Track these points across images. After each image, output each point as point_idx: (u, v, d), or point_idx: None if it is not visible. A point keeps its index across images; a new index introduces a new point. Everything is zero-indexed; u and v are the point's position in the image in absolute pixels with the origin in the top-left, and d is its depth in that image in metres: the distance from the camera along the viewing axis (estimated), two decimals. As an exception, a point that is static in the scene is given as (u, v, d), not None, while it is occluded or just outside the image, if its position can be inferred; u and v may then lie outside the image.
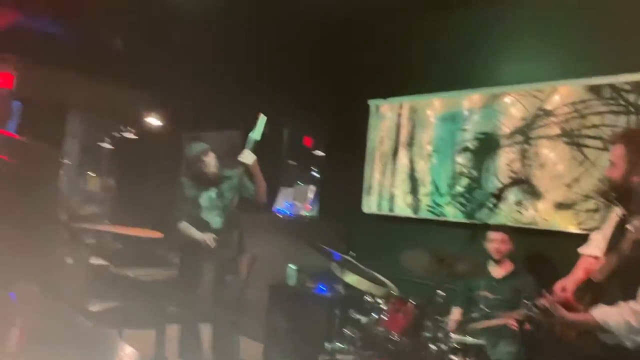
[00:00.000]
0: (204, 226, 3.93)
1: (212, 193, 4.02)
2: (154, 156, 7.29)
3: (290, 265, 4.73)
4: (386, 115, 4.80)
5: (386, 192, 4.72)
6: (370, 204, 4.83)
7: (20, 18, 5.08)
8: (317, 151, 5.99)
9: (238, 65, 5.97)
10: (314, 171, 5.93)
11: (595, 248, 2.48)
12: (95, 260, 5.10)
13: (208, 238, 3.80)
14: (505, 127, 4.02)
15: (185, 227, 3.99)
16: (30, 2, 4.61)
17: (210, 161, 4.01)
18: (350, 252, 3.81)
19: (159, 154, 7.30)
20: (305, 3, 4.30)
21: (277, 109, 5.68)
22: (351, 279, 3.57)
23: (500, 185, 2.48)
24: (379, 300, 3.34)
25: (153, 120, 6.59)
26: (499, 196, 2.35)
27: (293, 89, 5.57)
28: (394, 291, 3.42)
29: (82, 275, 4.94)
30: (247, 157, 3.88)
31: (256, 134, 3.86)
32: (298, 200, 5.69)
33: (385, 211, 4.71)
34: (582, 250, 2.61)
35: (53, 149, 5.79)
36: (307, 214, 5.56)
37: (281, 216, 5.68)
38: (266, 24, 4.86)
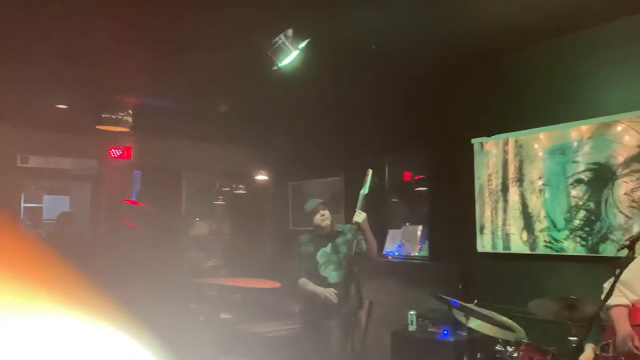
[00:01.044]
0: (321, 281, 4.07)
1: (327, 248, 4.17)
2: (263, 208, 7.67)
3: (410, 311, 4.76)
4: (491, 152, 4.77)
5: (499, 230, 4.67)
6: (484, 243, 4.78)
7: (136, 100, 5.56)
8: (419, 188, 6.04)
9: (340, 111, 6.23)
10: (419, 211, 5.97)
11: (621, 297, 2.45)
12: (224, 315, 5.38)
13: (330, 293, 3.93)
14: (620, 155, 3.89)
15: (304, 282, 4.14)
16: (144, 87, 5.00)
17: (326, 216, 4.18)
18: (476, 300, 3.78)
19: (267, 205, 7.68)
20: (407, 47, 4.42)
21: (379, 150, 5.88)
22: (475, 323, 3.56)
23: (629, 236, 2.43)
24: (509, 348, 3.30)
25: (260, 175, 6.94)
26: (631, 246, 2.29)
27: (395, 129, 5.75)
28: (523, 336, 3.37)
29: (211, 331, 5.25)
30: (359, 216, 4.00)
31: (365, 188, 3.99)
32: (407, 241, 5.74)
33: (500, 249, 4.65)
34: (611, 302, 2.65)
35: (175, 214, 6.29)
36: (417, 255, 5.59)
37: (390, 258, 5.75)
38: (370, 69, 5.00)
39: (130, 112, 3.45)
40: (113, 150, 6.48)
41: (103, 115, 3.34)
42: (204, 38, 3.53)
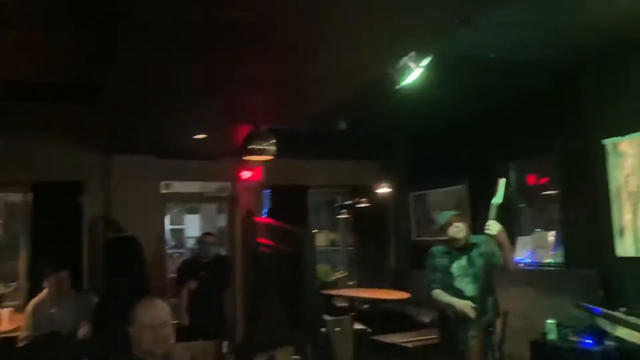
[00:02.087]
0: (457, 294, 4.07)
1: (462, 261, 4.16)
2: (385, 220, 7.81)
3: (548, 320, 4.64)
4: (627, 153, 4.55)
5: (642, 233, 4.43)
6: (626, 247, 4.55)
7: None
8: (546, 192, 5.86)
9: (460, 119, 6.22)
10: (548, 216, 5.79)
11: None
12: (357, 326, 5.55)
13: (467, 307, 3.92)
14: None
15: (440, 294, 4.17)
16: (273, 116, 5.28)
17: (460, 228, 4.17)
18: (621, 308, 3.64)
19: (389, 217, 7.81)
20: (530, 50, 4.38)
21: (503, 155, 5.80)
22: (623, 332, 3.43)
23: None
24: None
25: (381, 187, 7.08)
26: None
27: (518, 133, 5.66)
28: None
29: (347, 342, 5.44)
30: (493, 227, 3.92)
31: (498, 198, 3.94)
32: (539, 248, 5.58)
33: (644, 253, 4.41)
34: None
35: (305, 230, 6.60)
36: (551, 262, 5.42)
37: (523, 266, 5.62)
38: (490, 75, 4.99)
39: (274, 141, 3.72)
40: (245, 172, 6.95)
41: (249, 147, 3.64)
42: (329, 68, 3.73)
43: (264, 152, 3.75)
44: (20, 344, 4.77)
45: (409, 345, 4.79)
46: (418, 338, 4.98)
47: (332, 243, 9.23)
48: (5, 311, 5.23)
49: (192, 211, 8.67)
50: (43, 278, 5.08)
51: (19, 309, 5.61)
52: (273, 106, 4.56)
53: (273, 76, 3.77)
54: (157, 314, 2.48)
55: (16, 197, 6.48)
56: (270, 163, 6.90)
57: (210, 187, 7.83)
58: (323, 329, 5.48)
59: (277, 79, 3.77)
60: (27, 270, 5.94)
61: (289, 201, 7.28)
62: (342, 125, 6.38)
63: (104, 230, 6.16)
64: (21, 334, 4.85)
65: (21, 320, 5.03)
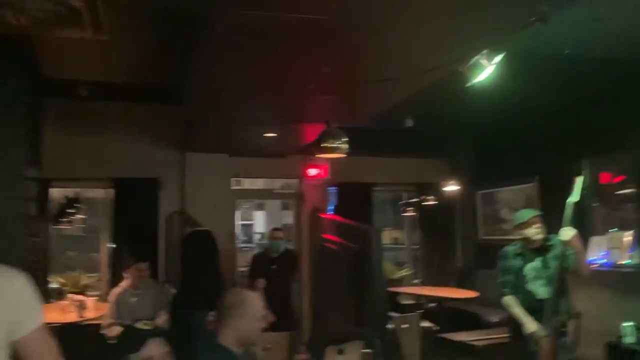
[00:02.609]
0: (528, 296, 3.99)
1: (536, 262, 4.04)
2: (451, 218, 7.76)
3: (624, 323, 4.52)
4: None
5: None
6: None
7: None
8: (622, 191, 5.67)
9: (531, 116, 6.12)
10: (624, 215, 5.60)
11: None
12: (423, 323, 5.58)
13: (532, 327, 3.88)
14: None
15: (510, 303, 4.08)
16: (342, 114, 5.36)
17: (539, 228, 4.03)
18: None
19: (456, 215, 7.76)
20: (604, 45, 4.28)
21: (575, 152, 5.66)
22: None
23: None
24: None
25: (448, 185, 7.06)
26: None
27: (592, 129, 5.52)
28: None
29: (414, 338, 5.48)
30: (567, 233, 3.78)
31: (574, 196, 3.84)
32: (614, 249, 5.42)
33: None
34: None
35: (371, 226, 6.66)
36: (628, 263, 5.25)
37: (596, 267, 5.46)
38: (563, 71, 4.89)
39: (346, 139, 3.81)
40: (311, 169, 7.10)
41: (322, 145, 3.74)
42: (400, 67, 3.78)
43: (337, 150, 3.84)
44: (104, 330, 5.08)
45: (478, 343, 4.77)
46: (487, 337, 4.95)
47: (396, 241, 9.26)
48: (91, 300, 5.57)
49: (258, 208, 8.90)
50: (124, 269, 5.39)
51: (102, 298, 5.98)
52: (341, 105, 4.64)
53: (343, 76, 3.85)
54: (258, 307, 2.55)
55: (98, 193, 6.89)
56: (336, 161, 7.04)
57: (276, 184, 8.04)
58: (390, 325, 5.53)
59: (347, 78, 3.85)
60: (108, 262, 6.32)
61: (354, 199, 7.36)
62: (409, 123, 6.40)
63: (179, 224, 6.45)
64: (104, 321, 5.16)
65: (104, 308, 5.35)
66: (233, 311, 2.52)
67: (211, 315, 5.22)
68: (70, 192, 6.37)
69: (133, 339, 2.14)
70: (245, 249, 7.80)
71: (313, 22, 3.05)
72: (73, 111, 5.80)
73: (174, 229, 6.51)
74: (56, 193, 6.29)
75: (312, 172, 7.14)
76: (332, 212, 7.35)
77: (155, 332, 2.20)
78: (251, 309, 2.53)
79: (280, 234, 6.26)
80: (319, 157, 6.88)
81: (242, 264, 7.24)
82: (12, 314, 1.42)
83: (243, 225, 8.23)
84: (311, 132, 5.93)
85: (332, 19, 3.01)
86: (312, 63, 3.58)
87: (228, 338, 2.54)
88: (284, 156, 6.97)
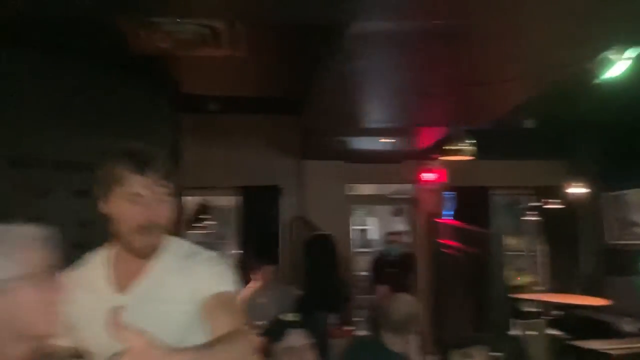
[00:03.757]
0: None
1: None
2: (576, 222, 7.39)
3: None
4: None
5: None
6: None
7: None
8: None
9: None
10: None
11: None
12: (549, 331, 5.38)
13: None
14: None
15: None
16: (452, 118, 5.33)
17: None
18: None
19: (580, 219, 7.38)
20: None
21: None
22: None
23: None
24: None
25: (572, 187, 6.76)
26: None
27: None
28: None
29: (540, 345, 5.30)
30: None
31: None
32: None
33: None
34: None
35: (491, 231, 6.54)
36: None
37: None
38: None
39: (473, 141, 3.82)
40: (426, 174, 7.09)
41: (446, 148, 3.77)
42: (524, 67, 3.72)
43: (461, 153, 3.84)
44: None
45: (612, 352, 4.52)
46: (623, 346, 4.67)
47: (515, 246, 8.94)
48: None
49: (369, 214, 9.01)
50: (252, 271, 5.71)
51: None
52: (461, 107, 4.63)
53: (465, 77, 3.86)
54: None
55: (224, 201, 7.35)
56: (452, 164, 6.98)
57: (388, 189, 8.09)
58: (513, 332, 5.40)
59: (469, 80, 3.86)
60: (236, 265, 6.73)
61: (471, 203, 7.25)
62: (529, 124, 6.21)
63: (299, 229, 6.70)
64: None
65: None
66: (411, 320, 2.68)
67: (333, 318, 5.40)
68: (200, 200, 6.85)
69: (278, 329, 2.31)
70: (361, 254, 7.91)
71: (436, 27, 3.10)
72: (204, 124, 6.24)
73: (294, 234, 6.77)
74: (188, 201, 6.79)
75: (428, 176, 7.13)
76: (449, 217, 7.28)
77: (299, 324, 2.34)
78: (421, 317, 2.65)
79: (395, 237, 6.33)
80: (435, 161, 6.91)
81: (358, 269, 7.38)
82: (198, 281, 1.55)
83: (357, 230, 8.37)
84: (427, 136, 5.95)
85: (456, 22, 3.05)
86: (434, 66, 3.63)
87: (400, 345, 2.70)
88: (399, 161, 7.02)
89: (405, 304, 2.76)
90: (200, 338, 1.36)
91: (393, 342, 2.68)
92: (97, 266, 1.61)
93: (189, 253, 1.63)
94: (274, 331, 2.30)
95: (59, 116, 3.58)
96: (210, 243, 7.75)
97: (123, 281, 1.57)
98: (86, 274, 1.60)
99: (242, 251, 6.63)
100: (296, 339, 2.25)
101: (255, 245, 6.19)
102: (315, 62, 3.94)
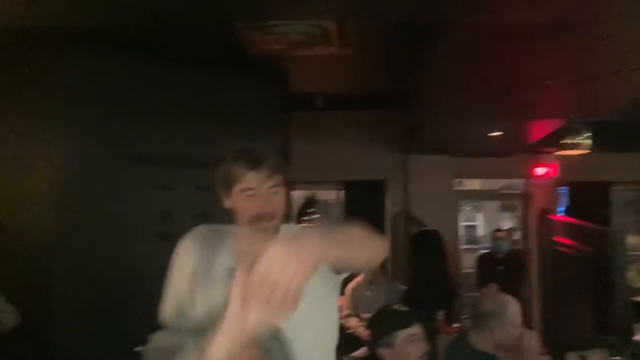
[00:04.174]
0: None
1: None
2: None
3: None
4: None
5: None
6: None
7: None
8: None
9: None
10: None
11: None
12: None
13: None
14: None
15: None
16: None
17: None
18: None
19: None
20: None
21: None
22: None
23: None
24: None
25: None
26: None
27: None
28: None
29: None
30: None
31: None
32: None
33: None
34: None
35: (615, 230, 6.14)
36: None
37: None
38: None
39: (589, 134, 3.63)
40: (539, 168, 6.80)
41: (562, 141, 3.61)
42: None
43: (579, 147, 3.65)
44: (341, 321, 5.51)
45: None
46: None
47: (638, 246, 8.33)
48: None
49: (475, 209, 8.78)
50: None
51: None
52: (577, 99, 4.40)
53: (584, 68, 3.67)
54: (519, 314, 2.60)
55: (329, 195, 7.49)
56: (567, 159, 6.64)
57: (496, 185, 7.84)
58: (638, 337, 5.03)
59: (588, 70, 3.66)
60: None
61: (588, 199, 6.84)
62: None
63: (404, 224, 6.69)
64: (343, 312, 5.60)
65: (341, 300, 5.83)
66: (492, 318, 2.57)
67: (440, 314, 5.35)
68: (307, 194, 7.04)
69: (403, 317, 2.33)
70: (469, 250, 7.75)
71: (552, 19, 2.99)
72: (311, 121, 6.40)
73: (399, 229, 6.77)
74: (296, 195, 7.00)
75: (540, 171, 6.83)
76: (563, 214, 6.93)
77: (415, 314, 2.37)
78: (511, 316, 2.56)
79: (503, 234, 6.13)
80: (549, 155, 6.61)
81: (466, 266, 7.23)
82: None
83: (465, 226, 8.20)
84: (538, 129, 5.70)
85: (574, 14, 2.92)
86: (551, 57, 3.49)
87: (484, 343, 2.60)
88: (509, 155, 6.78)
89: (491, 300, 2.67)
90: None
91: (477, 340, 2.61)
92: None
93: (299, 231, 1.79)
94: (399, 320, 2.32)
95: (180, 116, 3.84)
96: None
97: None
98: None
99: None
100: (418, 327, 2.28)
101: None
102: (423, 57, 3.93)
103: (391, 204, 6.84)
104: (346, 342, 5.28)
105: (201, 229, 1.74)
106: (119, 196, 3.58)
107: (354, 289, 5.58)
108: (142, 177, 3.71)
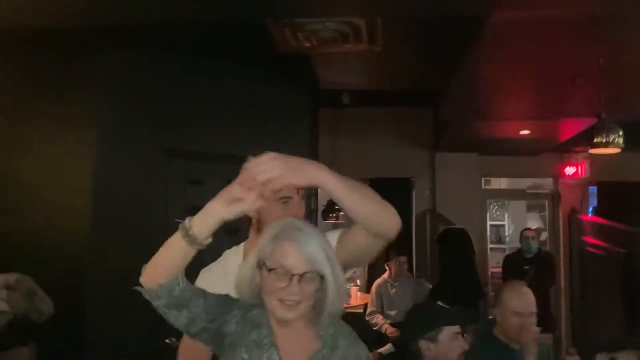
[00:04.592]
0: None
1: None
2: None
3: None
4: None
5: None
6: None
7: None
8: None
9: None
10: None
11: None
12: None
13: None
14: None
15: None
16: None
17: None
18: None
19: None
20: None
21: None
22: None
23: None
24: None
25: None
26: None
27: None
28: None
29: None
30: None
31: None
32: None
33: None
34: None
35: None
36: None
37: None
38: None
39: (621, 133, 3.58)
40: (568, 167, 6.72)
41: (595, 140, 3.57)
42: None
43: (611, 145, 3.60)
44: (368, 317, 5.53)
45: None
46: None
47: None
48: (353, 289, 6.17)
49: (502, 208, 8.70)
50: (385, 262, 5.78)
51: (360, 288, 6.54)
52: (610, 97, 4.33)
53: (616, 65, 3.61)
54: (526, 303, 2.56)
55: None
56: (597, 158, 6.54)
57: (524, 184, 7.75)
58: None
59: (620, 67, 3.61)
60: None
61: (619, 199, 6.73)
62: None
63: (431, 222, 6.67)
64: (368, 309, 5.62)
65: (364, 298, 5.86)
66: (497, 302, 2.63)
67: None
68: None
69: (449, 314, 2.36)
70: (495, 250, 7.69)
71: (582, 15, 2.97)
72: (339, 118, 6.42)
73: (426, 227, 6.75)
74: (321, 193, 7.01)
75: (569, 170, 6.74)
76: (593, 214, 6.83)
77: (462, 314, 2.40)
78: (506, 303, 2.56)
79: (533, 233, 6.06)
80: (579, 154, 6.53)
81: (493, 265, 7.18)
82: None
83: (492, 225, 8.13)
84: (568, 128, 5.63)
85: (607, 10, 2.90)
86: (581, 54, 3.45)
87: (500, 331, 2.62)
88: (538, 154, 6.71)
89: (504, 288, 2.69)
90: None
91: (499, 330, 2.61)
92: (237, 259, 1.77)
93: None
94: (445, 316, 2.35)
95: (210, 112, 3.90)
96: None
97: None
98: (228, 268, 1.76)
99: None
100: (460, 327, 2.30)
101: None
102: (453, 53, 3.91)
103: (418, 202, 6.83)
104: (372, 338, 5.35)
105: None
106: (152, 191, 3.65)
107: (379, 286, 5.60)
108: (174, 171, 3.77)
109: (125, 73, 3.65)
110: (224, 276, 1.70)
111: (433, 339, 2.26)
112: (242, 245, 1.86)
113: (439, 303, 2.53)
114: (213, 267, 1.86)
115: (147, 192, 3.63)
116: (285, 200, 1.69)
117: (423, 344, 2.28)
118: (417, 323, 2.38)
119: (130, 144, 3.61)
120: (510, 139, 6.08)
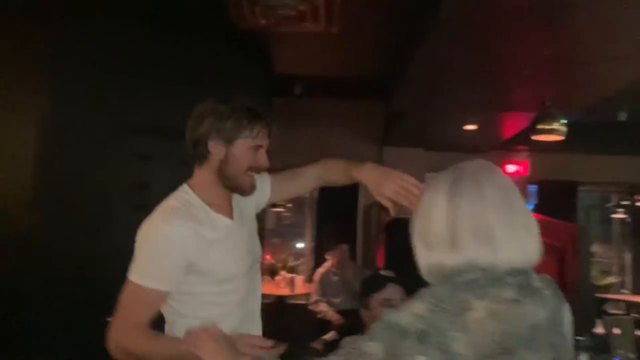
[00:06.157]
0: None
1: None
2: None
3: None
4: None
5: None
6: None
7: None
8: None
9: None
10: None
11: None
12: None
13: None
14: None
15: None
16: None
17: None
18: None
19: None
20: None
21: None
22: None
23: None
24: None
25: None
26: None
27: None
28: None
29: (627, 344, 5.06)
30: None
31: None
32: None
33: None
34: None
35: (581, 225, 6.30)
36: None
37: None
38: None
39: (565, 121, 3.71)
40: (509, 165, 6.93)
41: (538, 127, 3.68)
42: (622, 50, 3.57)
43: (554, 132, 3.73)
44: (311, 306, 5.54)
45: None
46: None
47: (602, 245, 8.55)
48: (299, 278, 6.19)
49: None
50: (326, 251, 5.81)
51: (306, 279, 6.55)
52: (554, 90, 4.48)
53: (563, 57, 3.73)
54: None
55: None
56: (537, 157, 6.81)
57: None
58: (598, 330, 5.18)
59: (566, 59, 3.75)
60: (312, 249, 6.91)
61: (556, 198, 7.00)
62: (623, 117, 5.94)
63: (376, 214, 6.74)
64: (311, 297, 5.63)
65: (309, 287, 5.88)
66: None
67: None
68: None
69: (376, 281, 2.39)
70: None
71: (537, 5, 3.06)
72: (291, 106, 6.38)
73: (371, 219, 6.83)
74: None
75: (511, 168, 6.97)
76: (534, 212, 7.07)
77: (397, 280, 2.41)
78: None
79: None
80: (520, 153, 6.75)
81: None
82: None
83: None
84: (512, 124, 5.82)
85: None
86: (530, 45, 3.56)
87: None
88: (483, 151, 6.88)
89: None
90: None
91: None
92: (197, 204, 1.74)
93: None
94: (373, 283, 2.38)
95: (163, 87, 3.79)
96: (289, 224, 7.97)
97: (226, 212, 1.80)
98: (193, 211, 1.71)
99: (318, 231, 6.81)
100: (393, 292, 2.32)
101: (332, 225, 6.29)
102: (407, 43, 3.97)
103: (365, 195, 6.88)
104: (316, 326, 5.36)
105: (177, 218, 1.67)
106: (99, 163, 3.53)
107: (322, 275, 5.61)
108: (123, 146, 3.66)
109: (78, 43, 3.52)
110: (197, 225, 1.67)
111: (366, 306, 2.31)
112: (185, 185, 1.79)
113: (381, 272, 2.57)
114: (176, 220, 1.65)
115: (93, 165, 3.51)
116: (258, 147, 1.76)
117: (362, 312, 2.34)
118: (359, 293, 2.44)
119: (79, 117, 3.49)
120: (456, 135, 6.22)
